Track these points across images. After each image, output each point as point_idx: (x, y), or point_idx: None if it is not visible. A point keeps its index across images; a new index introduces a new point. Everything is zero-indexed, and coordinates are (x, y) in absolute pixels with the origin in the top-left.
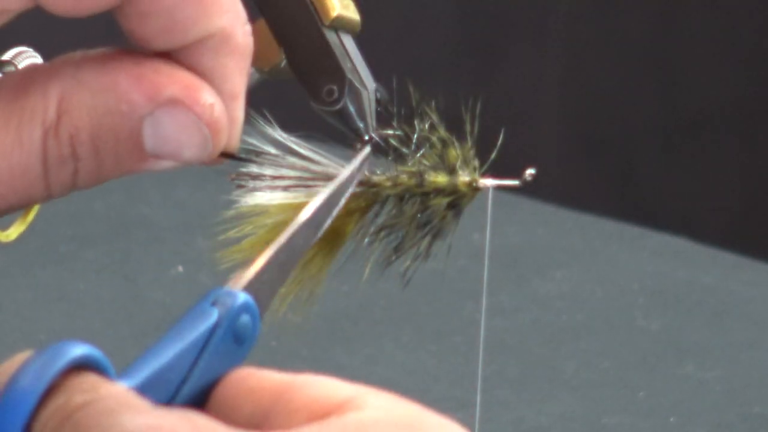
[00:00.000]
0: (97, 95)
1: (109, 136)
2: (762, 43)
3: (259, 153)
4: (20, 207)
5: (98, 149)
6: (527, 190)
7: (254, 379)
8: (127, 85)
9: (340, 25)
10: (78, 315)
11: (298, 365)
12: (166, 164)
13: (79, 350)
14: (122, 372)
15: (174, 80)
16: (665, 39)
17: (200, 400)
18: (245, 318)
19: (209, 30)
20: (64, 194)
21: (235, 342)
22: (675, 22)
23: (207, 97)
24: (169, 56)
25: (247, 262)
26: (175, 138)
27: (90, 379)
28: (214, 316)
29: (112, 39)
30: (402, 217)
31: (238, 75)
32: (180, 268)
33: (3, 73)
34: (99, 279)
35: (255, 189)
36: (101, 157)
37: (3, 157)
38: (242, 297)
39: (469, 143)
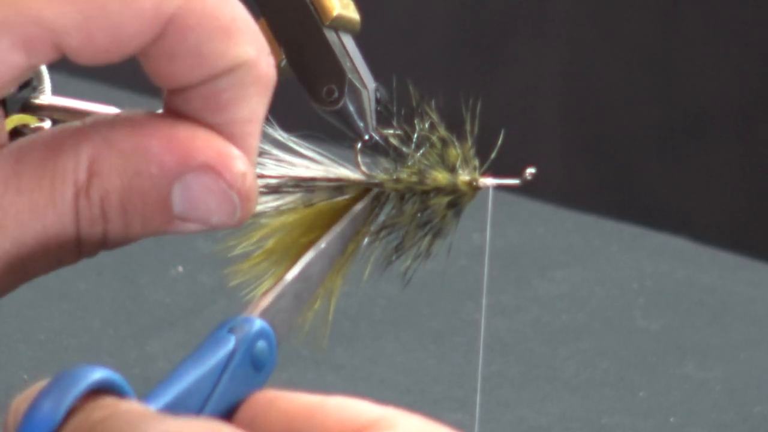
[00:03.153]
0: (127, 157)
1: (137, 199)
2: (762, 43)
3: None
4: (50, 270)
5: (126, 211)
6: (527, 190)
7: (285, 400)
8: (159, 148)
9: (340, 24)
10: (78, 315)
11: (298, 365)
12: (192, 227)
13: (98, 374)
14: (142, 398)
15: (207, 146)
16: (665, 39)
17: None
18: (262, 344)
19: (236, 62)
20: (91, 256)
21: (253, 368)
22: (675, 22)
23: (240, 165)
24: (190, 91)
25: (257, 278)
26: (204, 204)
27: (109, 400)
28: (231, 342)
29: None
30: (402, 217)
31: (258, 101)
32: (180, 268)
33: None
34: (99, 279)
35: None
36: (129, 219)
37: (37, 217)
38: (258, 323)
39: (469, 142)
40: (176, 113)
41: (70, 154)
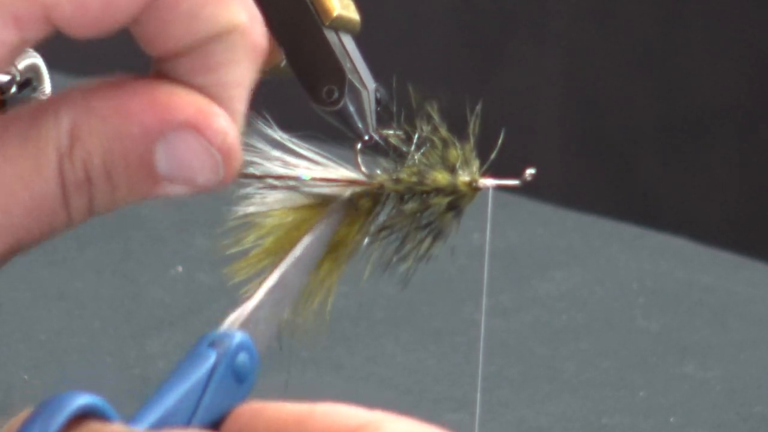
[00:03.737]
0: (107, 119)
1: (121, 161)
2: (762, 43)
3: (260, 176)
4: (42, 240)
5: (110, 174)
6: (527, 190)
7: (271, 411)
8: (139, 108)
9: (340, 25)
10: (78, 315)
11: (298, 365)
12: (180, 189)
13: (82, 400)
14: (128, 419)
15: (188, 104)
16: (665, 39)
17: None
18: (243, 356)
19: (228, 26)
20: (82, 221)
21: (235, 381)
22: (675, 22)
23: (220, 122)
24: (180, 56)
25: (255, 276)
26: (188, 162)
27: (95, 426)
28: (212, 357)
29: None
30: (402, 217)
31: (247, 66)
32: (180, 268)
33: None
34: (99, 279)
35: (254, 190)
36: (114, 181)
37: (25, 186)
38: (238, 336)
39: (471, 143)
40: (160, 76)
41: (51, 121)
